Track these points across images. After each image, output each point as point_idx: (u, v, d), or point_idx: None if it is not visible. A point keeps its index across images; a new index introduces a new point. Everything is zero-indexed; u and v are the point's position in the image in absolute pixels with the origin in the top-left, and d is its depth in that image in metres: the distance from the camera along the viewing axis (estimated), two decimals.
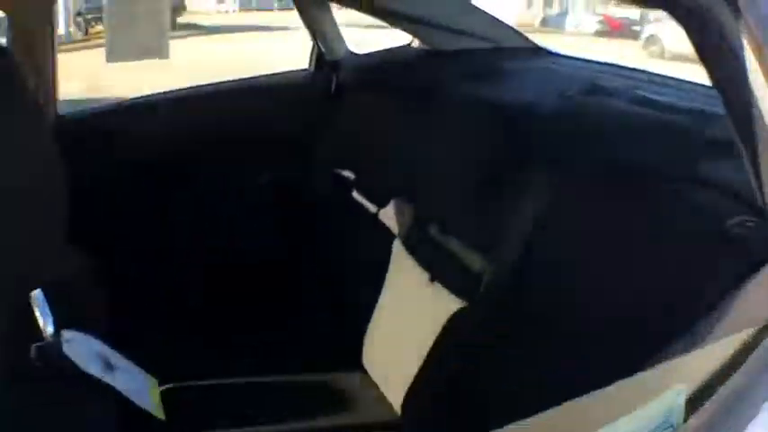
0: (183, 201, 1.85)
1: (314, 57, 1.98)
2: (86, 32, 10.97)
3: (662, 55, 9.91)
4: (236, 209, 1.91)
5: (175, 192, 1.83)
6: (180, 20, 11.99)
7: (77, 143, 1.62)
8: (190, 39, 10.18)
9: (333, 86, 1.93)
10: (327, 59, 1.93)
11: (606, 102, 1.29)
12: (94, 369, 1.18)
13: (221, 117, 1.90)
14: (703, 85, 1.33)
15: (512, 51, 1.83)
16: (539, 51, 1.88)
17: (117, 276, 1.53)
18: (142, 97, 1.98)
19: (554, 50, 1.86)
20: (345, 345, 1.48)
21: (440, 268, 1.29)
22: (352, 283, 1.62)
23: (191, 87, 1.99)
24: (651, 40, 10.87)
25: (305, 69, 2.02)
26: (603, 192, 1.03)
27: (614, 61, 1.79)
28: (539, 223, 1.10)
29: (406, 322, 1.35)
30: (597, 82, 1.48)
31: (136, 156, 1.77)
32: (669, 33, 10.26)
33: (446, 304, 1.22)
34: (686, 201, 0.93)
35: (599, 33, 12.39)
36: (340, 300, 1.65)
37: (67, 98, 2.14)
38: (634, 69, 1.64)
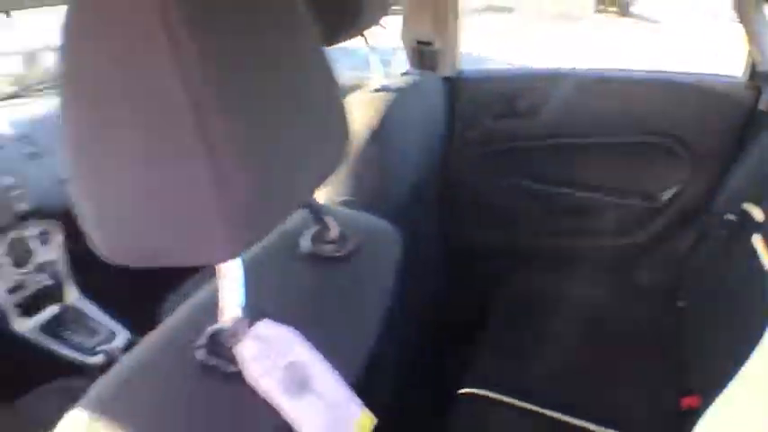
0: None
1: (748, 65, 1.63)
2: None
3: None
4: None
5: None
6: None
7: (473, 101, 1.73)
8: None
9: (761, 102, 1.59)
10: (758, 70, 1.47)
11: None
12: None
13: (625, 107, 1.66)
14: None
15: None
16: None
17: None
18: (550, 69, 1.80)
19: None
20: None
21: None
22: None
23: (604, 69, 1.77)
24: None
25: (735, 76, 1.68)
26: None
27: None
28: None
29: None
30: None
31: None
32: None
33: None
34: None
35: None
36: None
37: None
38: None
